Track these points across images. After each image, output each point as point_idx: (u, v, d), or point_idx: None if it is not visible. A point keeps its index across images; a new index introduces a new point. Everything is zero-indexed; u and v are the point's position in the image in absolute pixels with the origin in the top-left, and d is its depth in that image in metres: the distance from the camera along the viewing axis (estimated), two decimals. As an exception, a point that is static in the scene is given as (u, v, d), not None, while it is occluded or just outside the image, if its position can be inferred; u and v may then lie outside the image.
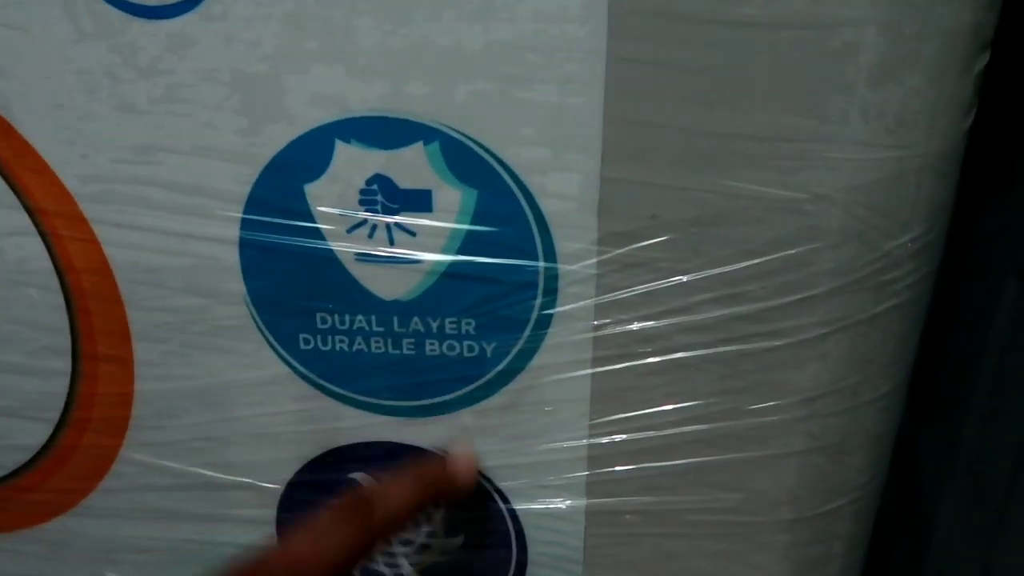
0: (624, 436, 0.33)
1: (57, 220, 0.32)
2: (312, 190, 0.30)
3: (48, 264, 0.33)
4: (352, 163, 0.30)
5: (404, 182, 0.30)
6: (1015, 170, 0.43)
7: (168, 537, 0.38)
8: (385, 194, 0.30)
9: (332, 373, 0.33)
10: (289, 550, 0.30)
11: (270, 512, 0.36)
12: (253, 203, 0.31)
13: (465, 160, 0.29)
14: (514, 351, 0.32)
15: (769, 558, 0.35)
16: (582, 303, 0.31)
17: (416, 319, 0.32)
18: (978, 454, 0.48)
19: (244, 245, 0.31)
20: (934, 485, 0.51)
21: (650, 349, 0.31)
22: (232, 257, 0.32)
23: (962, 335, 0.47)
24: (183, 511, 0.37)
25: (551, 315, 0.31)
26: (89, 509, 0.38)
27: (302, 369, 0.33)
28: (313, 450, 0.35)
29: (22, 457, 0.37)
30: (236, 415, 0.35)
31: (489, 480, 0.34)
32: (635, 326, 0.31)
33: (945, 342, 0.48)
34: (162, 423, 0.35)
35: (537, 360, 0.32)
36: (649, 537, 0.35)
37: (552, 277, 0.30)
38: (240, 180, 0.31)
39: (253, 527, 0.37)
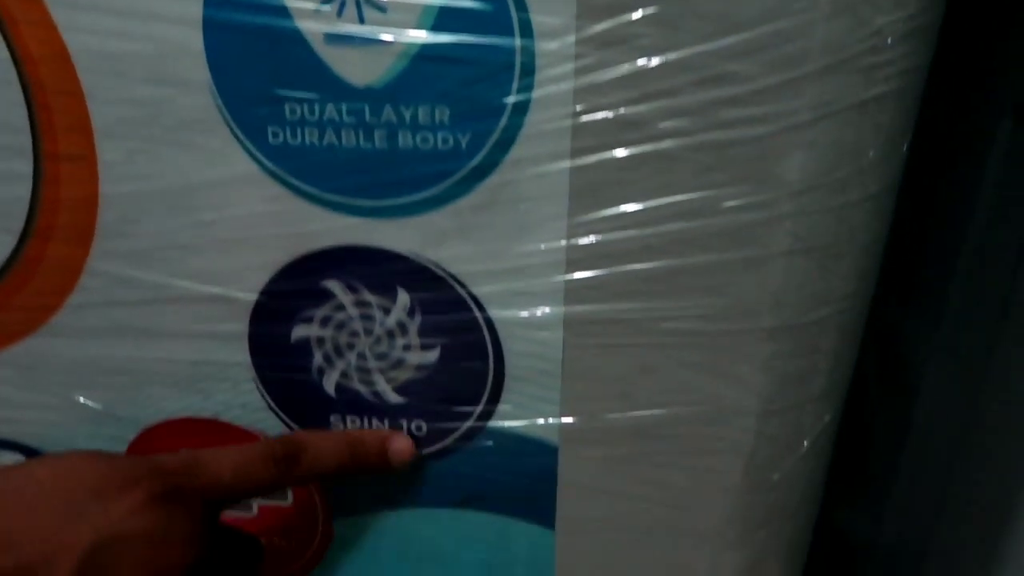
0: (603, 236, 0.32)
1: (11, 1, 0.31)
2: (277, -37, 0.29)
3: (4, 53, 0.31)
4: (319, -68, 0.28)
5: (374, -48, 0.29)
6: (1012, 9, 0.42)
7: (140, 357, 0.37)
8: (354, -35, 0.29)
9: (302, 170, 0.32)
10: (208, 463, 0.32)
11: (243, 326, 0.36)
12: (216, -21, 0.29)
13: (438, -73, 0.28)
14: (490, 142, 0.31)
15: (751, 370, 0.34)
16: (560, 86, 0.29)
17: (388, 108, 0.30)
18: (964, 307, 0.48)
19: (208, 27, 0.30)
20: (918, 346, 0.51)
21: (631, 137, 0.30)
22: (196, 41, 0.30)
23: (954, 181, 0.46)
24: (154, 328, 0.36)
25: (528, 100, 0.30)
26: (58, 328, 0.37)
27: (271, 166, 0.32)
28: (284, 257, 0.34)
29: (-13, 272, 0.36)
30: (204, 219, 0.33)
31: (465, 286, 0.34)
32: (614, 112, 0.30)
33: (937, 189, 0.47)
34: (128, 230, 0.34)
35: (514, 152, 0.31)
36: (629, 348, 0.34)
37: (529, 57, 0.29)
38: (201, -47, 0.29)
39: (227, 343, 0.36)
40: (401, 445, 0.37)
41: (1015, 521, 0.48)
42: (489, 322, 0.34)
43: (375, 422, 0.37)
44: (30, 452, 0.42)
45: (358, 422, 0.37)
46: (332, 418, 0.38)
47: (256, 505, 0.41)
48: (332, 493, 0.40)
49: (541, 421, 0.36)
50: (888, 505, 0.56)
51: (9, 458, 0.42)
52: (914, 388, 0.52)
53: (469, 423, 0.37)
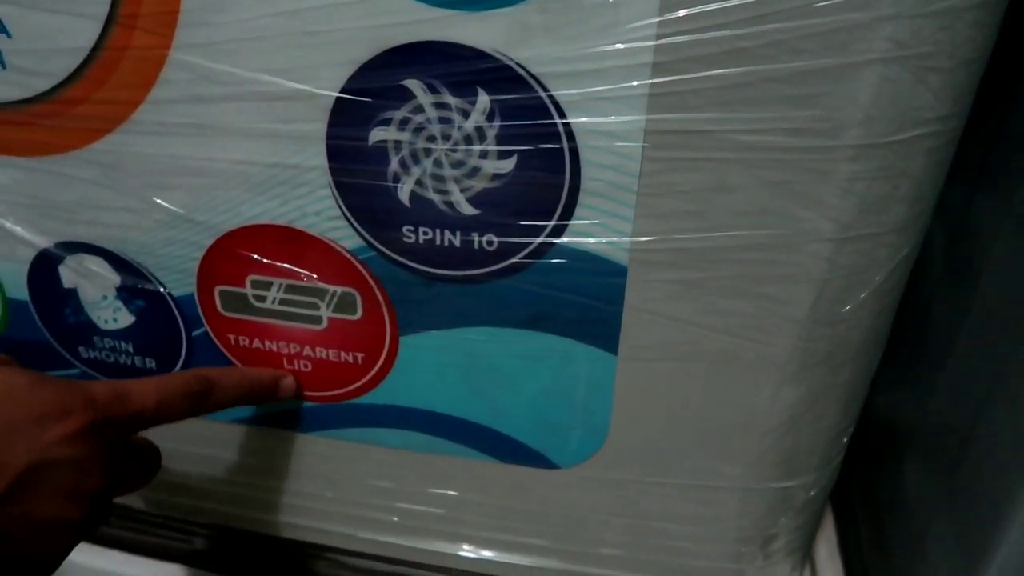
0: (693, 36, 0.31)
1: None
2: None
3: None
4: None
5: None
6: None
7: (220, 158, 0.38)
8: None
9: (388, -45, 0.31)
10: (135, 395, 0.35)
11: (321, 127, 0.36)
12: None
13: None
14: (584, -73, 0.30)
15: (831, 191, 0.34)
16: None
17: None
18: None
19: None
20: (987, 225, 0.49)
21: (732, -76, 0.29)
22: None
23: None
24: (235, 127, 0.37)
25: None
26: (140, 124, 0.38)
27: (357, -50, 0.32)
28: (366, 52, 0.34)
29: (71, 62, 0.36)
30: (287, 8, 0.33)
31: (546, 89, 0.33)
32: None
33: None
34: (211, 19, 0.34)
35: (608, -61, 0.30)
36: (708, 163, 0.34)
37: None
38: None
39: (305, 144, 0.36)
40: (289, 383, 0.44)
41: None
42: (568, 129, 0.34)
43: (447, 235, 0.38)
44: (111, 257, 0.43)
45: (430, 234, 0.38)
46: (404, 229, 0.38)
47: (327, 318, 0.42)
48: (401, 309, 0.41)
49: (614, 239, 0.36)
50: (938, 388, 0.55)
51: (92, 263, 0.44)
52: (979, 269, 0.50)
53: (540, 239, 0.37)
